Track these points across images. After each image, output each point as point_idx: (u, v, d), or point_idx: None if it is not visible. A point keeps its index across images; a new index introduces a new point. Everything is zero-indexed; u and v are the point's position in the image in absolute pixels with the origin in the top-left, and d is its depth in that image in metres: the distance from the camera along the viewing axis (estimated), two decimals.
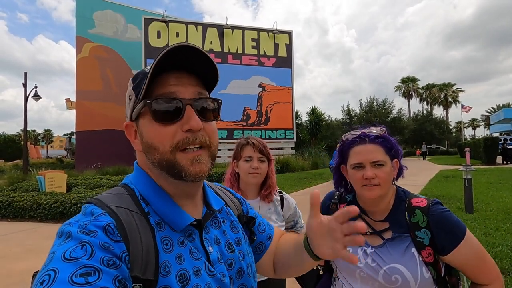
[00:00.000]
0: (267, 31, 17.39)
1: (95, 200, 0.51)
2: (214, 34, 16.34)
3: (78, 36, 16.23)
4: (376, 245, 0.94)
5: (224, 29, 16.36)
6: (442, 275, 0.91)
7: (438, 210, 0.90)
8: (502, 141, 20.83)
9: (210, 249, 0.57)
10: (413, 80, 52.48)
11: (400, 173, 1.03)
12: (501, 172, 10.95)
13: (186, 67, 0.54)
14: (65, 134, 46.85)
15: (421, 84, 53.73)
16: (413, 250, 0.89)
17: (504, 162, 16.91)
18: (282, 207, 1.49)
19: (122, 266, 0.43)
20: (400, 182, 1.08)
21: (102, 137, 15.76)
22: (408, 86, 51.84)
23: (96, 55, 16.42)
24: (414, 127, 37.31)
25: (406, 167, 1.05)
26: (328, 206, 1.13)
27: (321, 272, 1.11)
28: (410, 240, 0.91)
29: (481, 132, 68.56)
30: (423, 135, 36.86)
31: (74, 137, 21.47)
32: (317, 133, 22.40)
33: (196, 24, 16.24)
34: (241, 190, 1.43)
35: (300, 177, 12.31)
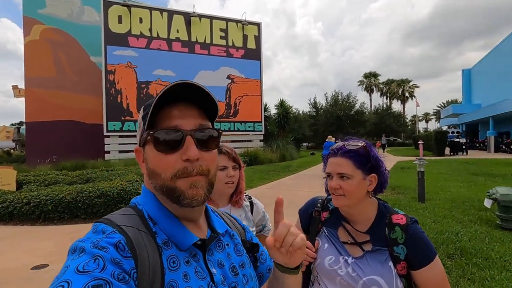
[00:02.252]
0: (236, 21, 17.08)
1: (106, 220, 0.54)
2: (181, 22, 15.67)
3: (25, 17, 14.57)
4: (357, 256, 0.99)
5: (191, 17, 15.76)
6: (413, 286, 0.98)
7: (416, 229, 0.97)
8: (451, 134, 22.98)
9: (214, 270, 0.58)
10: (375, 75, 55.37)
11: (379, 188, 1.04)
12: (449, 163, 12.06)
13: (189, 100, 0.58)
14: (12, 124, 42.31)
15: (381, 79, 56.94)
16: (390, 263, 0.95)
17: (452, 153, 18.65)
18: (252, 212, 1.49)
19: (130, 282, 0.45)
20: None
21: (57, 128, 14.48)
22: (370, 81, 54.65)
23: (48, 38, 14.87)
24: (375, 120, 39.59)
25: (387, 181, 1.06)
26: (310, 214, 1.16)
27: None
28: (388, 254, 0.96)
29: (433, 125, 74.73)
30: (383, 128, 39.24)
31: (23, 127, 19.48)
32: (285, 126, 22.80)
33: (161, 11, 15.42)
34: (211, 199, 1.39)
35: (269, 169, 12.49)
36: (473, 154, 17.99)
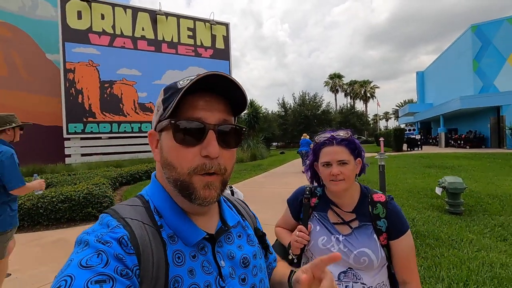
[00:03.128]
0: (204, 21, 16.94)
1: (111, 211, 0.52)
2: (146, 20, 15.18)
3: None
4: (346, 233, 1.11)
5: (157, 15, 15.32)
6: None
7: (394, 205, 1.13)
8: (408, 131, 24.83)
9: (222, 263, 0.57)
10: (339, 76, 57.86)
11: (362, 170, 1.19)
12: (406, 157, 13.07)
13: (217, 91, 0.54)
14: None
15: (345, 80, 59.66)
16: (374, 236, 1.09)
17: (409, 149, 20.18)
18: None
19: (133, 278, 0.44)
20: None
21: None
22: (334, 82, 56.97)
23: None
24: (340, 119, 41.37)
25: (367, 164, 1.22)
26: (300, 201, 1.25)
27: (295, 261, 1.22)
28: (372, 228, 1.10)
29: (393, 123, 79.91)
30: (347, 127, 40.84)
31: None
32: (255, 126, 23.05)
33: (125, 7, 14.79)
34: None
35: (240, 168, 12.60)
36: (427, 149, 19.63)
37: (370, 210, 1.12)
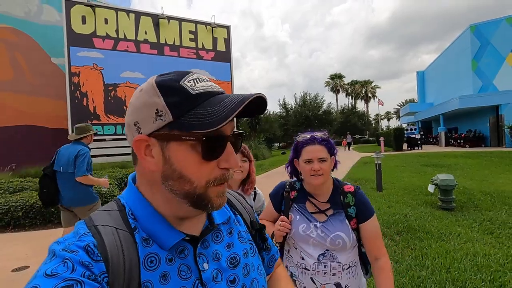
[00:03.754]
0: (205, 24, 17.26)
1: (87, 218, 0.52)
2: (149, 24, 15.51)
3: None
4: (322, 221, 1.29)
5: (160, 19, 15.65)
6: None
7: (361, 194, 1.32)
8: (409, 131, 24.99)
9: (205, 266, 0.54)
10: (340, 76, 58.05)
11: (335, 166, 1.38)
12: (405, 157, 13.26)
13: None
14: None
15: (346, 80, 59.86)
16: (346, 221, 1.27)
17: (409, 148, 20.35)
18: (254, 200, 1.84)
19: (103, 284, 0.43)
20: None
21: (16, 134, 13.64)
22: (335, 82, 57.18)
23: (3, 38, 13.94)
24: (341, 119, 41.56)
25: (339, 161, 1.39)
26: (281, 195, 1.40)
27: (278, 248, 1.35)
28: (344, 215, 1.28)
29: (394, 123, 79.87)
30: (349, 127, 41.35)
31: None
32: (256, 127, 23.32)
33: (127, 12, 15.15)
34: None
35: None
36: (427, 148, 19.78)
37: (342, 199, 1.30)
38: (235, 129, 0.56)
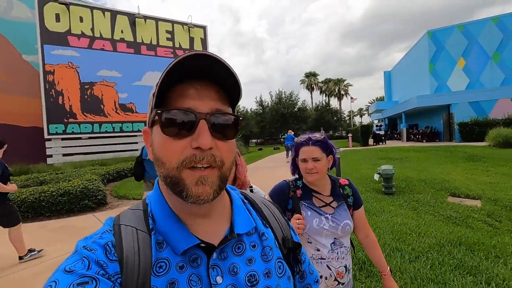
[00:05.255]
0: (182, 24, 17.61)
1: (117, 216, 0.53)
2: (125, 23, 15.63)
3: None
4: (331, 213, 1.40)
5: (136, 18, 15.82)
6: None
7: (354, 185, 1.50)
8: (376, 127, 26.93)
9: (218, 279, 0.49)
10: (314, 75, 60.05)
11: (334, 164, 1.48)
12: (368, 151, 14.65)
13: (208, 77, 0.49)
14: None
15: (321, 78, 62.03)
16: (348, 210, 1.42)
17: (374, 143, 22.07)
18: None
19: (117, 285, 0.44)
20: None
21: None
22: (310, 80, 59.11)
23: None
24: (315, 116, 43.28)
25: (338, 158, 1.95)
26: (287, 194, 1.44)
27: None
28: (345, 205, 1.42)
29: (367, 119, 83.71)
30: (323, 123, 43.14)
31: None
32: None
33: (103, 10, 15.16)
34: None
35: None
36: (390, 144, 21.57)
37: (341, 191, 1.46)
38: (229, 112, 0.52)
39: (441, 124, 20.84)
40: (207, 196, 0.48)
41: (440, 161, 9.80)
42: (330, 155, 1.44)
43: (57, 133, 13.65)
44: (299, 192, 1.44)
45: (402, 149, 13.66)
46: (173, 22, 17.36)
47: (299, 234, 1.27)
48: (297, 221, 1.30)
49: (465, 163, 9.10)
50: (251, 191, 1.78)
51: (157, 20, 16.73)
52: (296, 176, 1.54)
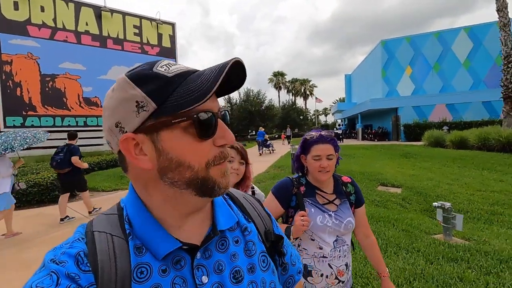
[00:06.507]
0: (150, 19, 17.66)
1: (89, 222, 0.51)
2: (90, 15, 15.38)
3: None
4: (334, 210, 1.38)
5: (102, 11, 15.63)
6: None
7: (356, 183, 1.48)
8: (337, 126, 28.94)
9: (203, 279, 0.49)
10: (282, 74, 61.91)
11: (337, 162, 1.44)
12: None
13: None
14: None
15: (288, 77, 64.13)
16: (350, 208, 1.42)
17: None
18: None
19: None
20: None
21: None
22: (278, 80, 60.84)
23: None
24: (282, 115, 44.80)
25: (341, 157, 1.48)
26: (291, 191, 1.41)
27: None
28: (348, 202, 1.41)
29: (331, 118, 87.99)
30: (289, 121, 44.75)
31: None
32: None
33: (66, 1, 14.74)
34: None
35: None
36: (347, 142, 23.57)
37: (344, 189, 1.44)
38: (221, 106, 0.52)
39: (390, 125, 23.26)
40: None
41: (381, 157, 11.37)
42: (337, 153, 1.42)
43: (14, 126, 13.19)
44: (302, 189, 1.42)
45: (354, 147, 15.29)
46: (141, 17, 17.36)
47: (303, 231, 1.29)
48: (302, 218, 1.28)
49: (400, 159, 10.72)
50: (253, 192, 1.77)
51: (124, 14, 16.63)
52: (299, 173, 1.51)
